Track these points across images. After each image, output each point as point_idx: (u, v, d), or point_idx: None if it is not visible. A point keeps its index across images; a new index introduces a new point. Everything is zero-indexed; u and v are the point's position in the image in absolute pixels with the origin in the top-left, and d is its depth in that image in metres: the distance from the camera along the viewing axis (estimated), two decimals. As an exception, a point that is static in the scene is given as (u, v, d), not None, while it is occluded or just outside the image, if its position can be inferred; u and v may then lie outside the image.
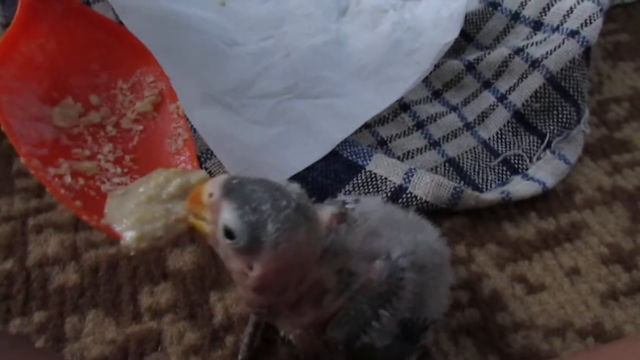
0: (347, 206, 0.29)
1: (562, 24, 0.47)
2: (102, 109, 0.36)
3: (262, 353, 0.34)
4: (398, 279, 0.27)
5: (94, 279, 0.38)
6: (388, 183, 0.42)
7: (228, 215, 0.24)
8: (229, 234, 0.25)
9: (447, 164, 0.45)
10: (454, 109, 0.49)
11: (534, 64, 0.46)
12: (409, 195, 0.41)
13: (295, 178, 0.42)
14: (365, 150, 0.44)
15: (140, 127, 0.36)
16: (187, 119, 0.42)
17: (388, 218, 0.30)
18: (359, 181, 0.42)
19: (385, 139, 0.47)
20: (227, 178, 0.26)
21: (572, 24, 0.47)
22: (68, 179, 0.32)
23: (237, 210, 0.24)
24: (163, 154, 0.35)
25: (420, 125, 0.48)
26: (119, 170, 0.34)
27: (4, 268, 0.38)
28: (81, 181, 0.32)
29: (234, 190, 0.25)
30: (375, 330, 0.28)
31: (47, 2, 0.35)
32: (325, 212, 0.29)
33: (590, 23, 0.46)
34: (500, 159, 0.45)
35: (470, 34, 0.52)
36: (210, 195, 0.25)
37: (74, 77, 0.36)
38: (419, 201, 0.41)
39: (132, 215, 0.30)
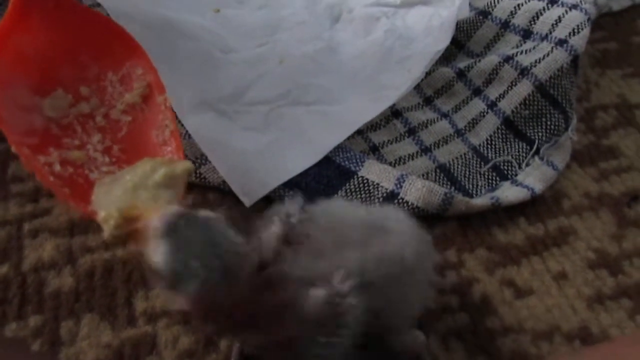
0: (292, 220, 0.29)
1: (550, 33, 0.48)
2: (91, 100, 0.37)
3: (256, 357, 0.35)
4: (336, 306, 0.27)
5: (90, 284, 0.38)
6: (380, 188, 0.42)
7: (158, 258, 0.25)
8: (156, 271, 0.25)
9: (438, 170, 0.46)
10: (444, 115, 0.49)
11: (524, 71, 0.47)
12: (400, 200, 0.42)
13: (288, 184, 0.43)
14: (357, 156, 0.44)
15: (129, 118, 0.37)
16: (181, 124, 0.43)
17: (335, 235, 0.29)
18: (352, 187, 0.43)
19: (377, 145, 0.47)
20: (174, 215, 0.26)
21: (560, 32, 0.47)
22: (57, 167, 0.33)
23: (168, 256, 0.25)
24: (150, 145, 0.37)
25: (411, 131, 0.49)
26: (107, 159, 0.36)
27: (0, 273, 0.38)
28: (70, 169, 0.33)
29: (173, 233, 0.25)
30: (322, 355, 0.27)
31: None
32: (270, 233, 0.29)
33: (578, 32, 0.47)
34: (490, 165, 0.46)
35: (461, 42, 0.53)
36: (155, 228, 0.26)
37: (64, 69, 0.37)
38: (411, 207, 0.42)
39: (118, 202, 0.31)
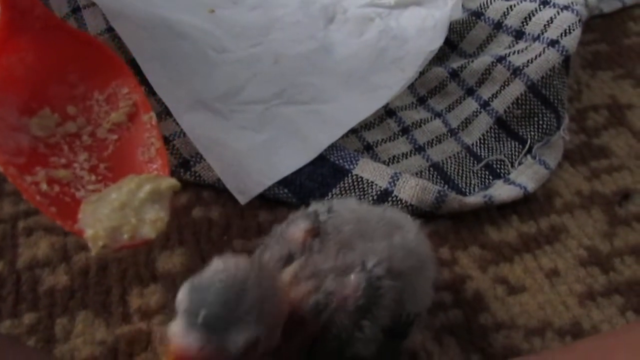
0: (320, 218, 0.30)
1: (542, 34, 0.49)
2: (78, 119, 0.38)
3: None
4: (376, 289, 0.28)
5: (84, 281, 0.38)
6: (374, 187, 0.43)
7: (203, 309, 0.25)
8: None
9: (431, 169, 0.46)
10: (438, 115, 0.50)
11: (516, 72, 0.47)
12: (394, 198, 0.42)
13: (282, 182, 0.43)
14: (351, 155, 0.45)
15: (115, 137, 0.38)
16: (176, 123, 0.43)
17: (361, 228, 0.30)
18: (346, 185, 0.43)
19: (372, 143, 0.48)
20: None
21: (552, 33, 0.48)
22: (44, 186, 0.33)
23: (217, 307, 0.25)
24: (136, 162, 0.37)
25: (405, 130, 0.49)
26: (93, 177, 0.36)
27: (-6, 270, 0.38)
28: (56, 188, 0.34)
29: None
30: (360, 340, 0.28)
31: (26, 18, 0.37)
32: (298, 228, 0.29)
33: (570, 33, 0.47)
34: (482, 163, 0.47)
35: (454, 42, 0.53)
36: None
37: (52, 89, 0.38)
38: (404, 204, 0.42)
39: (105, 221, 0.31)
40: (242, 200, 0.42)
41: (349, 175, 0.43)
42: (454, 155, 0.47)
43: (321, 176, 0.44)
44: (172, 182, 0.34)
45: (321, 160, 0.44)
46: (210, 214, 0.42)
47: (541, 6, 0.50)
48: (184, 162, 0.44)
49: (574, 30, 0.47)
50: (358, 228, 0.30)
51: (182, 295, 0.26)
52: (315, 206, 0.32)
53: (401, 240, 0.30)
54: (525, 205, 0.44)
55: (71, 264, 0.39)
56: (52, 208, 0.32)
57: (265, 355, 0.27)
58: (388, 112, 0.50)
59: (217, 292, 0.25)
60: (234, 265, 0.26)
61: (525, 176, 0.45)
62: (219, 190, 0.43)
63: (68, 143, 0.37)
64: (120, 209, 0.32)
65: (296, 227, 0.29)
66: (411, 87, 0.51)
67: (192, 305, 0.25)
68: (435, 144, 0.48)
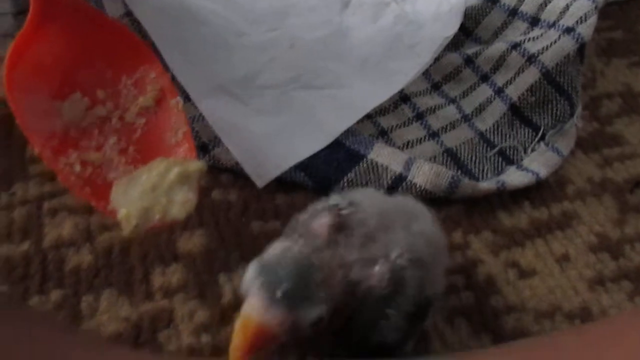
0: (343, 212, 0.31)
1: (558, 21, 0.49)
2: (107, 103, 0.39)
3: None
4: (400, 278, 0.29)
5: (108, 260, 0.39)
6: (389, 171, 0.43)
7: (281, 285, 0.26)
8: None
9: (445, 154, 0.47)
10: (452, 101, 0.50)
11: (531, 58, 0.48)
12: (408, 183, 0.43)
13: (299, 166, 0.44)
14: (366, 140, 0.45)
15: (143, 121, 0.39)
16: (195, 107, 0.44)
17: (383, 221, 0.31)
18: (361, 169, 0.44)
19: (386, 129, 0.48)
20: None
21: (567, 20, 0.48)
22: (77, 168, 0.35)
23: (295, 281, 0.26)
24: (164, 146, 0.38)
25: (419, 116, 0.50)
26: (123, 160, 0.38)
27: (21, 249, 0.39)
28: (89, 170, 0.35)
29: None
30: (385, 328, 0.29)
31: (55, 6, 0.37)
32: (322, 222, 0.30)
33: (585, 20, 0.48)
34: (496, 150, 0.47)
35: (469, 29, 0.53)
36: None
37: (81, 74, 0.39)
38: (418, 189, 0.43)
39: (137, 201, 0.32)
40: (260, 183, 0.43)
41: (364, 160, 0.44)
42: (468, 141, 0.48)
43: (337, 161, 0.45)
44: (200, 165, 0.35)
45: (337, 145, 0.45)
46: (228, 197, 0.43)
47: (557, -7, 0.50)
48: (203, 145, 0.45)
49: (589, 17, 0.48)
50: (380, 221, 0.31)
51: (254, 273, 0.26)
52: (335, 199, 0.32)
53: (419, 229, 0.31)
54: (538, 191, 0.45)
55: (95, 244, 0.40)
56: (87, 189, 0.33)
57: (323, 334, 0.27)
58: (403, 97, 0.50)
59: (289, 269, 0.26)
60: (295, 246, 0.27)
61: (538, 163, 0.46)
62: (237, 174, 0.44)
63: (98, 127, 0.38)
64: (151, 191, 0.33)
65: (319, 222, 0.30)
66: (426, 73, 0.51)
67: (268, 281, 0.26)
68: (449, 130, 0.49)
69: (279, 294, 0.25)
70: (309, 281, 0.26)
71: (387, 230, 0.30)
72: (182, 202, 0.33)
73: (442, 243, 0.33)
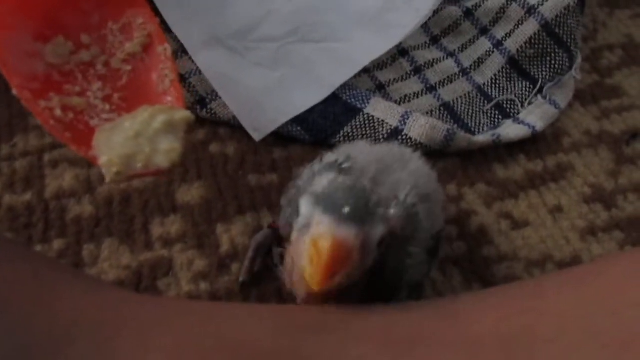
0: (344, 166, 0.30)
1: (559, -29, 0.48)
2: (92, 48, 0.38)
3: (263, 277, 0.37)
4: (414, 215, 0.29)
5: (109, 211, 0.40)
6: (385, 125, 0.44)
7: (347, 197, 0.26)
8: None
9: (442, 108, 0.47)
10: (451, 54, 0.50)
11: (530, 10, 0.47)
12: (404, 137, 0.43)
13: (296, 120, 0.44)
14: (363, 94, 0.45)
15: (129, 67, 0.38)
16: (192, 60, 0.44)
17: (381, 166, 0.31)
18: (357, 123, 0.44)
19: (384, 83, 0.48)
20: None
21: (569, -30, 0.47)
22: (58, 112, 0.34)
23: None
24: (151, 94, 0.37)
25: (417, 70, 0.49)
26: (107, 107, 0.36)
27: (24, 199, 0.41)
28: (70, 115, 0.35)
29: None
30: (412, 267, 0.30)
31: None
32: (328, 179, 0.29)
33: (587, -30, 0.47)
34: (493, 103, 0.47)
35: (469, -20, 0.52)
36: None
37: (66, 16, 0.38)
38: (414, 142, 0.43)
39: (119, 148, 0.32)
40: (257, 137, 0.44)
41: (361, 114, 0.44)
42: (465, 95, 0.48)
43: (333, 114, 0.45)
44: (186, 114, 0.34)
45: (334, 98, 0.45)
46: (226, 150, 0.44)
47: (559, -58, 0.49)
48: (201, 99, 0.45)
49: (592, -33, 0.47)
50: (379, 166, 0.31)
51: (311, 204, 0.26)
52: (332, 156, 0.31)
53: (416, 168, 0.32)
54: (534, 144, 0.45)
55: (95, 194, 0.41)
56: (67, 133, 0.33)
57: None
58: (401, 51, 0.50)
59: (346, 192, 0.26)
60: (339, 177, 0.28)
61: (535, 115, 0.46)
62: (235, 127, 0.45)
63: (82, 72, 0.37)
64: (134, 138, 0.32)
65: (325, 179, 0.29)
66: (425, 27, 0.51)
67: (332, 203, 0.26)
68: (447, 84, 0.49)
69: (346, 211, 0.26)
70: (368, 201, 0.26)
71: (389, 172, 0.30)
72: (166, 151, 0.33)
73: (436, 180, 0.34)
